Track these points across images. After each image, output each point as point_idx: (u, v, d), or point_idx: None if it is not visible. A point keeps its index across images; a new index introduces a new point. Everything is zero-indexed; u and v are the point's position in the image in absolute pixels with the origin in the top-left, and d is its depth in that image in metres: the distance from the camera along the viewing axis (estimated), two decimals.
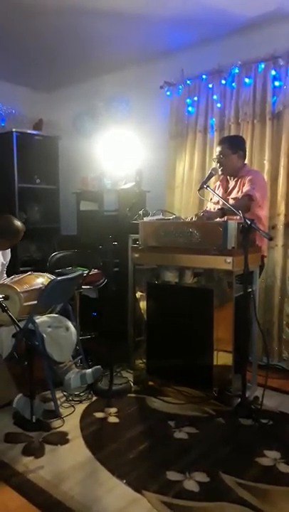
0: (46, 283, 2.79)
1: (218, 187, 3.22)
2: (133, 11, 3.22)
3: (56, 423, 2.58)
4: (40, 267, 3.66)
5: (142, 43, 3.80)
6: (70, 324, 2.91)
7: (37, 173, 4.80)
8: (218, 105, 3.67)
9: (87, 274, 3.18)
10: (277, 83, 3.35)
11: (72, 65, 4.32)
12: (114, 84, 4.47)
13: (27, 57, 4.13)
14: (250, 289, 2.62)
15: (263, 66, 3.38)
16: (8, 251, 3.23)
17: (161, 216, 3.21)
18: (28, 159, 4.62)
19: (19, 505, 1.92)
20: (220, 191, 3.16)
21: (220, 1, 3.08)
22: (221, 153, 3.05)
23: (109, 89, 4.50)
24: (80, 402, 2.86)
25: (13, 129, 4.44)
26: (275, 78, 3.35)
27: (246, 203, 2.81)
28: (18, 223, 3.00)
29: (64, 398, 2.88)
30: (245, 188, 2.91)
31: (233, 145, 3.04)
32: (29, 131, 4.70)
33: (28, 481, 2.06)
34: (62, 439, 2.42)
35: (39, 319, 2.80)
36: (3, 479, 2.08)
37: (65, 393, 2.91)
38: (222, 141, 3.13)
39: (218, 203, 3.07)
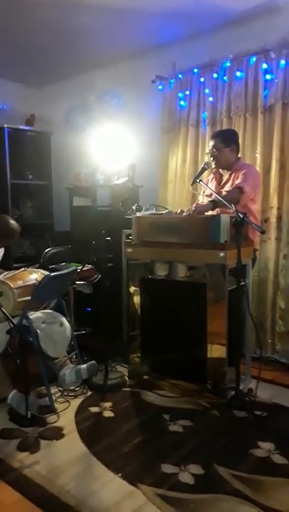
0: (40, 278, 2.78)
1: (212, 180, 3.22)
2: (124, 5, 3.20)
3: (51, 418, 2.58)
4: (33, 263, 3.65)
5: (134, 37, 3.78)
6: (64, 320, 2.91)
7: (29, 169, 4.78)
8: (210, 99, 3.66)
9: (81, 269, 3.18)
10: (268, 76, 3.34)
11: (64, 60, 4.29)
12: (106, 78, 4.45)
13: (18, 52, 4.10)
14: (243, 283, 2.63)
15: (254, 59, 3.37)
16: (2, 249, 3.22)
17: (154, 211, 3.21)
18: (21, 155, 4.60)
19: (15, 500, 1.92)
20: (213, 184, 3.16)
21: None
22: (214, 147, 3.05)
23: (101, 84, 4.47)
24: (75, 397, 2.87)
25: (5, 125, 4.41)
26: (266, 71, 3.34)
27: (236, 195, 2.81)
28: (14, 224, 2.99)
29: (59, 393, 2.89)
30: (237, 181, 2.91)
31: (226, 139, 3.04)
32: (21, 127, 4.68)
33: (23, 476, 2.07)
34: (57, 434, 2.43)
35: (33, 315, 2.80)
36: None
37: (60, 388, 2.92)
38: (215, 135, 3.13)
39: (210, 195, 3.07)
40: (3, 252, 3.24)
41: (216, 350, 2.66)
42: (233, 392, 2.60)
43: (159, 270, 2.87)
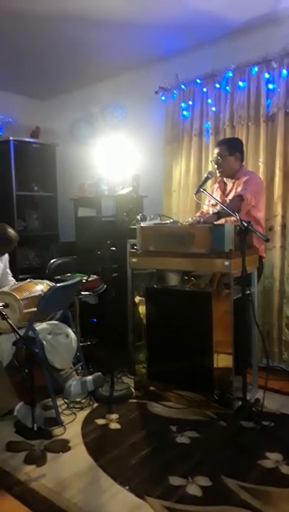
0: (46, 290, 2.79)
1: (216, 189, 3.23)
2: (127, 18, 3.25)
3: (57, 431, 2.57)
4: (39, 274, 3.67)
5: (136, 49, 3.83)
6: (70, 331, 2.91)
7: (35, 181, 4.82)
8: (213, 109, 3.68)
9: (87, 280, 3.19)
10: (270, 86, 3.36)
11: (68, 72, 4.35)
12: (110, 90, 4.50)
13: (23, 65, 4.16)
14: (248, 291, 2.62)
15: (256, 69, 3.40)
16: (6, 254, 3.24)
17: (158, 220, 3.21)
18: (26, 167, 4.65)
19: None
20: (218, 193, 3.17)
21: (212, 6, 3.10)
22: (218, 154, 3.06)
23: (104, 95, 4.53)
24: (81, 409, 2.85)
25: (11, 138, 4.46)
26: (268, 81, 3.37)
27: (237, 203, 2.81)
28: (11, 232, 3.01)
29: (65, 405, 2.87)
30: (239, 189, 2.92)
31: (231, 147, 3.06)
32: (26, 139, 4.72)
33: (30, 489, 2.06)
34: (63, 446, 2.42)
35: (39, 326, 2.81)
36: (6, 488, 2.07)
37: (66, 400, 2.91)
38: (220, 143, 3.15)
39: (215, 205, 3.08)
40: (7, 257, 3.26)
41: (223, 360, 2.65)
42: (240, 403, 2.58)
43: (171, 280, 2.86)
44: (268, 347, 3.24)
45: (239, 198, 2.83)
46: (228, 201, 3.01)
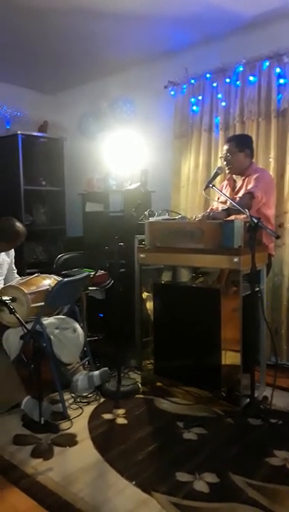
0: (53, 284, 2.78)
1: (226, 186, 3.20)
2: (136, 11, 3.22)
3: (64, 425, 2.58)
4: (46, 269, 3.66)
5: (146, 43, 3.80)
6: (77, 326, 2.91)
7: (42, 175, 4.81)
8: (223, 104, 3.65)
9: (94, 275, 3.18)
10: (282, 81, 3.32)
11: (77, 66, 4.32)
12: (118, 85, 4.47)
13: (31, 59, 4.14)
14: (257, 288, 2.60)
15: (267, 64, 3.36)
16: (11, 250, 3.23)
17: (167, 216, 3.20)
18: (34, 161, 4.64)
19: (28, 507, 1.92)
20: (227, 190, 3.15)
21: (222, 0, 3.06)
22: (228, 151, 3.03)
23: (113, 90, 4.50)
24: (88, 403, 2.86)
25: (19, 132, 4.45)
26: (279, 76, 3.33)
27: (247, 201, 2.79)
28: (19, 226, 2.99)
29: (72, 400, 2.88)
30: (249, 186, 2.89)
31: (240, 143, 3.03)
32: (34, 134, 4.72)
33: (37, 483, 2.06)
34: (70, 440, 2.42)
35: (46, 321, 2.81)
36: (13, 481, 2.08)
37: (72, 395, 2.91)
38: (229, 140, 3.12)
39: (225, 202, 3.05)
40: (13, 253, 3.26)
41: (231, 357, 2.63)
42: (248, 400, 2.57)
43: (180, 276, 2.84)
44: (276, 344, 3.22)
45: (249, 195, 2.80)
46: (238, 198, 2.98)
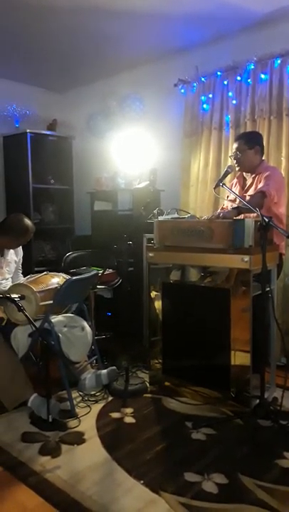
0: (62, 283, 2.78)
1: (235, 184, 3.17)
2: (146, 9, 3.20)
3: (72, 423, 2.57)
4: (54, 267, 3.67)
5: (156, 41, 3.79)
6: (85, 324, 2.90)
7: (51, 174, 4.82)
8: (234, 102, 3.63)
9: (102, 273, 3.17)
10: None
11: (86, 64, 4.32)
12: (128, 83, 4.47)
13: (40, 58, 4.15)
14: (268, 288, 2.57)
15: (279, 62, 3.33)
16: (20, 248, 3.22)
17: (176, 215, 3.18)
18: (43, 160, 4.65)
19: (36, 504, 1.91)
20: (237, 188, 3.12)
21: None
22: (237, 149, 3.00)
23: (122, 88, 4.49)
24: (96, 402, 2.85)
25: (28, 130, 4.47)
26: None
27: (259, 200, 2.76)
28: (28, 222, 2.98)
29: (80, 398, 2.87)
30: (260, 185, 2.86)
31: (250, 141, 3.00)
32: (43, 132, 4.73)
33: (45, 480, 2.06)
34: (78, 439, 2.41)
35: (55, 319, 2.80)
36: (21, 479, 2.07)
37: (80, 393, 2.90)
38: (239, 137, 3.09)
39: (234, 200, 3.02)
40: (21, 253, 3.25)
41: (240, 358, 2.61)
42: (258, 401, 2.54)
43: (189, 276, 2.83)
44: (286, 345, 3.19)
45: (261, 194, 2.77)
46: (247, 197, 2.96)
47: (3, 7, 3.15)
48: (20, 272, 3.31)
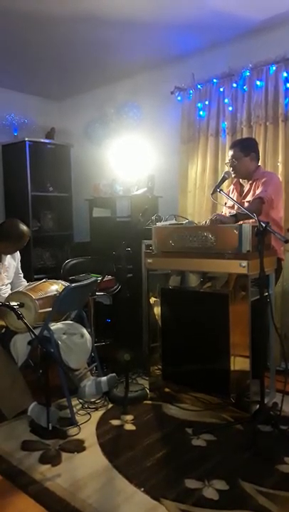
0: (61, 290, 2.78)
1: (232, 191, 3.19)
2: (142, 17, 3.24)
3: (72, 431, 2.56)
4: (54, 274, 3.67)
5: (152, 49, 3.82)
6: (84, 331, 2.90)
7: (50, 181, 4.84)
8: (230, 108, 3.66)
9: (101, 280, 3.17)
10: None
11: (83, 72, 4.35)
12: (125, 90, 4.50)
13: (38, 66, 4.18)
14: (266, 293, 2.58)
15: (274, 68, 3.36)
16: (17, 253, 3.24)
17: (174, 221, 3.20)
18: (41, 167, 4.67)
19: None
20: (234, 195, 3.14)
21: (229, 5, 3.07)
22: (233, 157, 3.02)
23: (120, 96, 4.53)
24: (96, 409, 2.84)
25: (26, 138, 4.49)
26: (287, 80, 3.32)
27: (257, 206, 2.78)
28: (23, 227, 3.01)
29: (80, 406, 2.86)
30: (258, 191, 2.88)
31: (245, 148, 3.01)
32: (41, 140, 4.75)
33: (45, 489, 2.05)
34: (78, 446, 2.41)
35: (54, 326, 2.80)
36: (21, 487, 2.07)
37: (80, 400, 2.90)
38: (234, 145, 3.11)
39: (232, 207, 3.04)
40: (19, 257, 3.26)
41: (240, 363, 2.61)
42: (258, 406, 2.53)
43: (191, 281, 2.83)
44: (286, 350, 3.18)
45: (259, 200, 2.79)
46: (245, 203, 2.97)
47: (0, 16, 3.18)
48: (22, 275, 3.32)
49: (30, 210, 4.51)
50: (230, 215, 2.85)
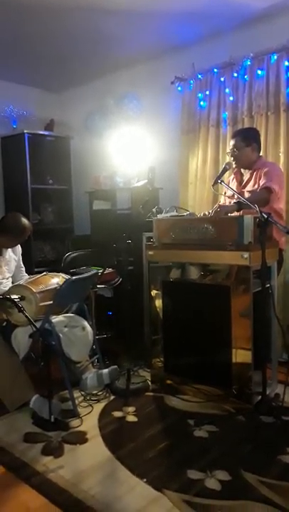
0: (61, 283, 2.78)
1: (233, 180, 3.17)
2: (142, 7, 3.19)
3: (74, 422, 2.57)
4: (54, 267, 3.66)
5: (152, 39, 3.78)
6: (86, 324, 2.90)
7: (49, 174, 4.81)
8: (231, 98, 3.62)
9: (102, 273, 3.17)
10: None
11: (82, 64, 4.31)
12: (125, 81, 4.45)
13: (37, 58, 4.14)
14: (268, 285, 2.57)
15: (275, 57, 3.32)
16: (18, 247, 3.23)
17: (175, 213, 3.18)
18: (41, 160, 4.64)
19: (40, 504, 1.91)
20: (234, 184, 3.12)
21: None
22: (234, 146, 3.00)
23: (119, 87, 4.48)
24: (98, 401, 2.85)
25: (25, 131, 4.46)
26: (288, 69, 3.28)
27: (265, 196, 2.76)
28: (24, 221, 3.00)
29: (82, 398, 2.87)
30: (262, 181, 2.86)
31: (247, 137, 2.99)
32: (41, 132, 4.72)
33: (48, 480, 2.06)
34: (81, 438, 2.41)
35: (55, 319, 2.79)
36: (24, 479, 2.08)
37: (82, 393, 2.90)
38: (235, 135, 3.08)
39: (232, 196, 3.02)
40: (20, 250, 3.26)
41: (241, 355, 2.60)
42: (260, 397, 2.54)
43: (192, 273, 2.82)
44: (288, 341, 3.18)
45: (267, 190, 2.77)
46: (245, 193, 2.96)
47: None
48: (23, 269, 3.32)
49: (30, 202, 4.49)
50: (234, 202, 2.83)
